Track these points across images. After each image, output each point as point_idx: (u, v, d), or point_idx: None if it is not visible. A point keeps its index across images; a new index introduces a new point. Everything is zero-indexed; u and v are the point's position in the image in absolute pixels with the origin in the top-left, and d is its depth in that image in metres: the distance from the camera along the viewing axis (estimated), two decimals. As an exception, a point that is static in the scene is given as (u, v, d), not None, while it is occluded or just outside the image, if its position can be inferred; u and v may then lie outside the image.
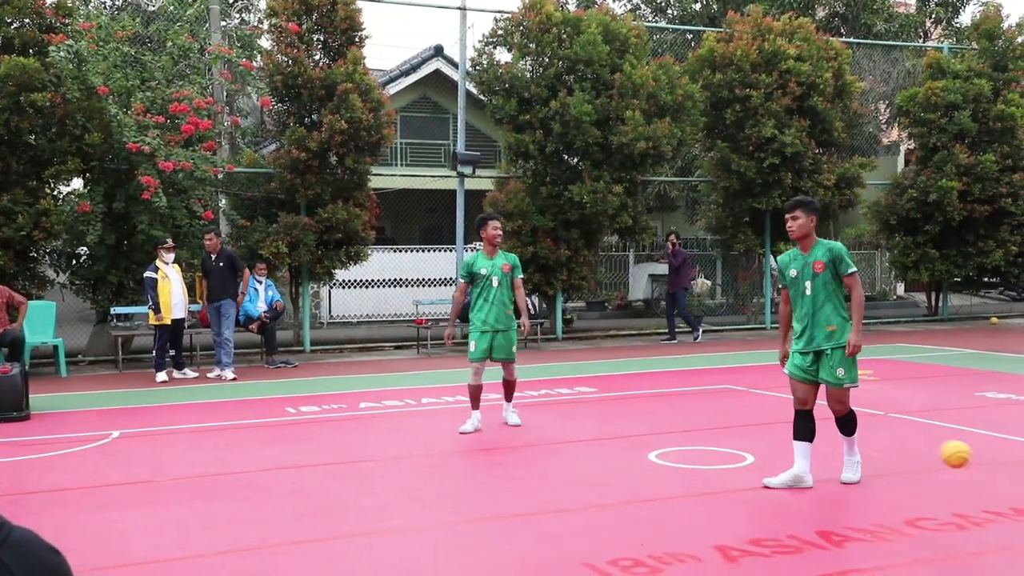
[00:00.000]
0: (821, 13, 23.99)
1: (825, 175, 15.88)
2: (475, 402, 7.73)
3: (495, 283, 7.54)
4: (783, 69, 15.59)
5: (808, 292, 5.69)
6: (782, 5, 22.21)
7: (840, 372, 5.64)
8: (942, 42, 23.56)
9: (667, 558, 4.47)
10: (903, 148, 23.62)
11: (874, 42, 21.90)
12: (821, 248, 5.71)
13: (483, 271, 7.56)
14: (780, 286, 5.99)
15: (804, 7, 22.66)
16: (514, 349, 7.71)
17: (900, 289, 24.24)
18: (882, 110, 23.64)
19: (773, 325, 17.27)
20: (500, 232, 7.68)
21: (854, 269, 5.70)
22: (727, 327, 17.23)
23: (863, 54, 21.11)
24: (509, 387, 7.94)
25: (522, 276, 7.86)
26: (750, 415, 8.40)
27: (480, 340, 7.58)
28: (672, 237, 15.23)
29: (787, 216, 5.76)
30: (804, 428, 5.79)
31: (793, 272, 5.76)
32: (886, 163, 22.22)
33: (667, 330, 15.42)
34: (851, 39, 20.73)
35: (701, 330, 15.39)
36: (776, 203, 15.83)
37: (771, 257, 17.63)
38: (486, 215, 7.89)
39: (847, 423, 5.83)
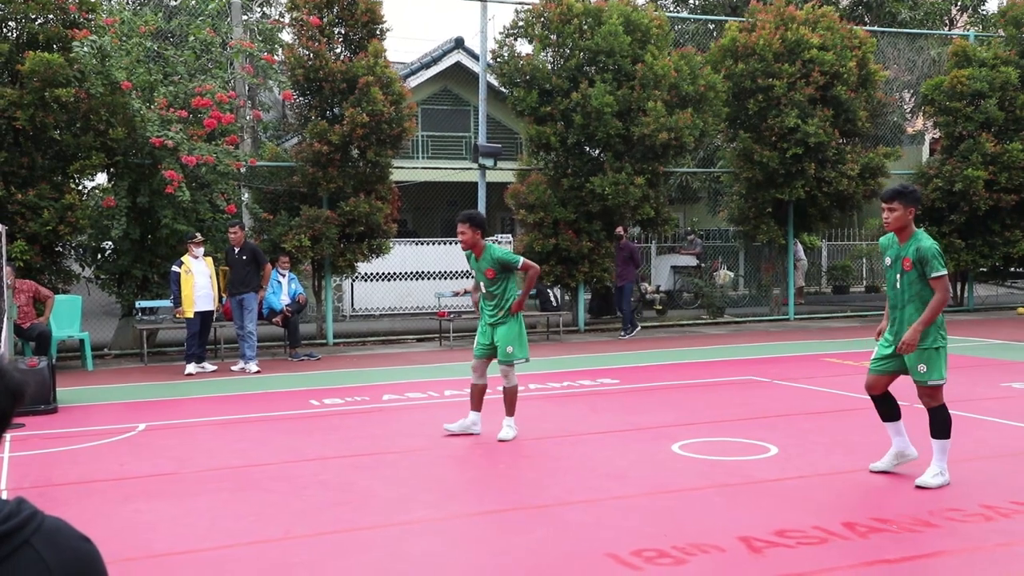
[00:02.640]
0: (845, 1, 23.75)
1: (849, 165, 15.74)
2: (473, 402, 7.30)
3: (483, 287, 7.24)
4: (806, 58, 15.45)
5: (898, 286, 5.55)
6: (805, -6, 22.00)
7: (921, 368, 5.43)
8: (968, 30, 23.28)
9: (691, 549, 4.46)
10: (928, 137, 23.37)
11: (899, 30, 21.67)
12: (913, 245, 5.45)
13: (474, 272, 7.37)
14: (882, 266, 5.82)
15: (827, -5, 22.44)
16: (509, 349, 7.05)
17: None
18: (907, 99, 23.40)
19: (797, 316, 17.17)
20: (463, 237, 7.00)
21: (942, 272, 5.38)
22: (750, 318, 17.14)
23: (887, 42, 20.88)
24: (504, 397, 7.21)
25: (519, 262, 7.06)
26: (774, 406, 8.36)
27: (481, 335, 7.25)
28: (619, 230, 14.95)
29: (884, 206, 5.52)
30: (882, 410, 5.76)
31: (888, 260, 5.63)
32: (911, 153, 22.01)
33: (623, 324, 15.11)
34: (875, 27, 20.52)
35: (635, 331, 14.87)
36: (799, 194, 15.71)
37: (793, 249, 17.51)
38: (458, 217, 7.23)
39: (935, 423, 5.51)
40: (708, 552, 4.42)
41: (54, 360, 9.58)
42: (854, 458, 6.26)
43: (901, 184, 5.69)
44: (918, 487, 5.42)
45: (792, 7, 16.14)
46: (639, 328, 15.09)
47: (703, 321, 17.01)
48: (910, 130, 23.96)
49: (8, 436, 7.44)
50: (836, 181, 15.65)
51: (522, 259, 7.12)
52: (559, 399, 9.06)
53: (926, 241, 5.46)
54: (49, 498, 5.68)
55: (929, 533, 4.66)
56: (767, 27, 15.69)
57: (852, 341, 13.54)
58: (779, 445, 6.65)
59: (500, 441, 7.01)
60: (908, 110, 23.65)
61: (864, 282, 23.49)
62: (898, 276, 5.53)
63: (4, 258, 8.70)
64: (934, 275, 5.38)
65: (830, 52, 15.54)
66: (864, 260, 23.53)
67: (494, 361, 7.23)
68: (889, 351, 5.60)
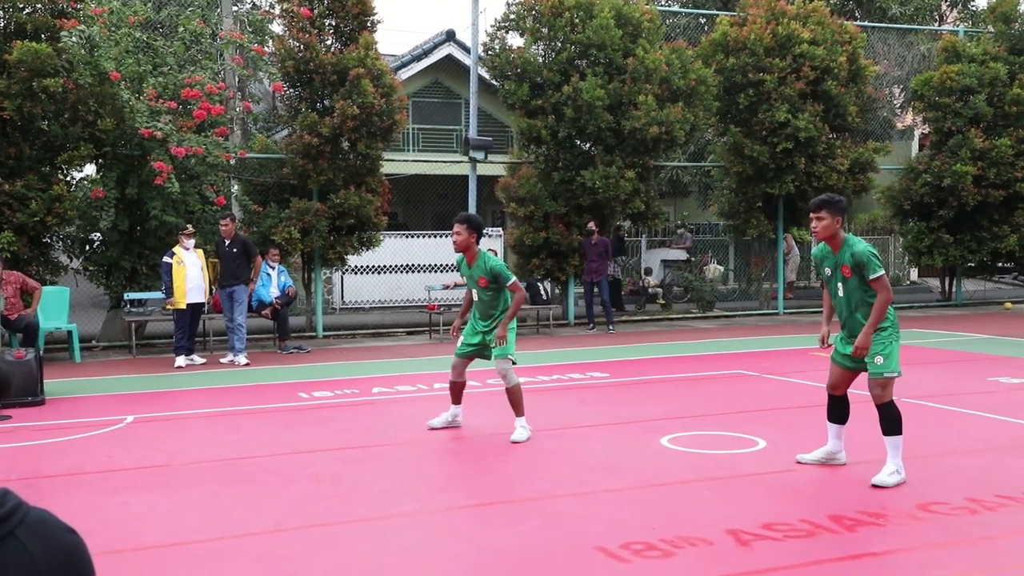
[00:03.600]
0: (835, -4, 23.78)
1: (839, 160, 15.79)
2: (453, 397, 7.28)
3: (475, 295, 7.03)
4: (797, 53, 15.48)
5: (841, 294, 5.60)
6: (796, -12, 22.02)
7: (879, 360, 5.46)
8: (957, 25, 23.36)
9: (679, 542, 4.47)
10: (917, 132, 23.46)
11: (889, 25, 21.71)
12: (847, 251, 5.48)
13: (465, 278, 7.14)
14: (819, 276, 5.87)
15: (818, -10, 22.45)
16: (496, 346, 6.85)
17: (914, 274, 24.14)
18: (896, 94, 23.46)
19: (786, 311, 17.22)
20: (458, 238, 6.83)
21: (880, 272, 5.43)
22: (739, 312, 17.19)
23: (877, 38, 20.93)
24: (509, 398, 6.99)
25: (511, 280, 6.89)
26: (762, 400, 8.39)
27: (466, 335, 7.10)
28: (591, 224, 14.92)
29: (812, 215, 5.54)
30: (835, 411, 5.85)
31: (828, 271, 5.66)
32: (900, 148, 22.09)
33: (590, 318, 15.03)
34: (865, 23, 20.55)
35: (609, 326, 14.87)
36: (789, 188, 15.75)
37: (783, 243, 17.56)
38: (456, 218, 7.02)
39: (886, 420, 5.52)
40: (696, 545, 4.44)
41: (42, 352, 9.54)
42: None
43: (827, 194, 5.73)
44: (874, 486, 5.37)
45: (783, 2, 16.16)
46: (595, 327, 15.01)
47: (693, 315, 17.05)
48: (900, 125, 24.03)
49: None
50: (826, 176, 15.69)
51: (514, 278, 6.95)
52: (549, 392, 9.08)
53: (859, 245, 5.49)
54: (36, 490, 5.66)
55: (915, 526, 4.69)
56: (758, 21, 15.71)
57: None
58: (767, 439, 6.68)
59: (513, 443, 6.74)
60: (898, 105, 23.72)
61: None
62: (840, 285, 5.58)
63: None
64: (873, 276, 5.41)
65: (820, 47, 15.57)
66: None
67: (471, 362, 7.20)
68: (849, 349, 5.63)
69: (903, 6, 23.77)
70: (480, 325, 7.02)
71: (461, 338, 7.16)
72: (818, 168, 15.69)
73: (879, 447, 6.41)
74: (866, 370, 5.58)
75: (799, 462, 5.95)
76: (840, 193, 16.22)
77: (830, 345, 5.88)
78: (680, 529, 4.67)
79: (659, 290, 18.46)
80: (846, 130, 16.50)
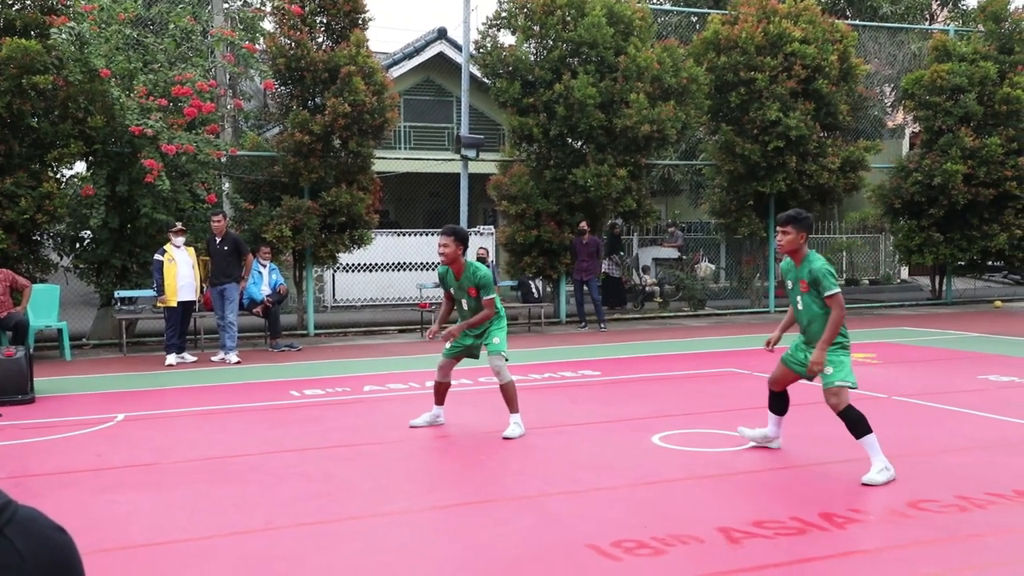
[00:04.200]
0: (826, -5, 23.84)
1: (830, 158, 15.83)
2: (437, 397, 7.22)
3: (464, 305, 6.92)
4: (788, 52, 15.51)
5: (800, 307, 5.81)
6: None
7: (828, 370, 5.57)
8: (948, 24, 23.43)
9: (670, 540, 4.48)
10: (908, 131, 23.53)
11: (880, 24, 21.77)
12: (807, 267, 5.68)
13: (451, 291, 6.98)
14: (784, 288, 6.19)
15: (809, -11, 22.50)
16: (496, 340, 6.85)
17: (904, 273, 24.23)
18: (887, 93, 23.54)
19: (777, 309, 17.27)
20: (445, 251, 6.74)
21: (835, 290, 5.55)
22: (731, 311, 17.22)
23: (868, 36, 20.99)
24: (503, 394, 6.94)
25: (492, 295, 6.85)
26: (753, 398, 8.40)
27: (455, 342, 7.04)
28: (583, 224, 14.94)
29: (779, 229, 5.75)
30: (776, 404, 6.22)
31: (789, 284, 5.89)
32: (891, 146, 22.16)
33: (581, 316, 15.05)
34: (856, 21, 20.61)
35: (601, 324, 14.86)
36: (780, 187, 15.78)
37: (774, 240, 17.59)
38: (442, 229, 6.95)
39: (849, 424, 5.57)
40: (687, 543, 4.45)
41: (31, 350, 9.50)
42: (831, 450, 6.31)
43: (795, 210, 5.91)
44: (865, 485, 5.39)
45: (774, 0, 16.19)
46: (586, 325, 15.00)
47: (684, 313, 17.08)
48: (890, 124, 24.10)
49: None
50: (817, 174, 15.73)
51: (494, 294, 6.87)
52: (540, 391, 9.08)
53: (817, 262, 5.68)
54: (26, 489, 5.64)
55: (905, 524, 4.70)
56: (749, 20, 15.73)
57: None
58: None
59: (506, 439, 6.72)
60: (888, 104, 23.79)
61: (844, 275, 23.63)
62: (799, 298, 5.79)
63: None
64: (828, 294, 5.57)
65: (812, 45, 15.60)
66: (844, 253, 23.68)
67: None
68: (803, 354, 5.84)
69: (894, 5, 23.84)
70: (471, 331, 6.96)
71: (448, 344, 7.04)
72: (809, 167, 15.73)
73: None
74: (808, 378, 5.85)
75: (741, 434, 6.43)
76: (831, 191, 16.28)
77: (772, 350, 6.16)
78: (671, 527, 4.68)
79: (656, 288, 18.49)
80: (837, 129, 16.55)
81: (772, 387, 6.15)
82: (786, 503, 5.11)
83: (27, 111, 11.84)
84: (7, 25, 12.01)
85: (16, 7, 12.19)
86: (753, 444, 6.34)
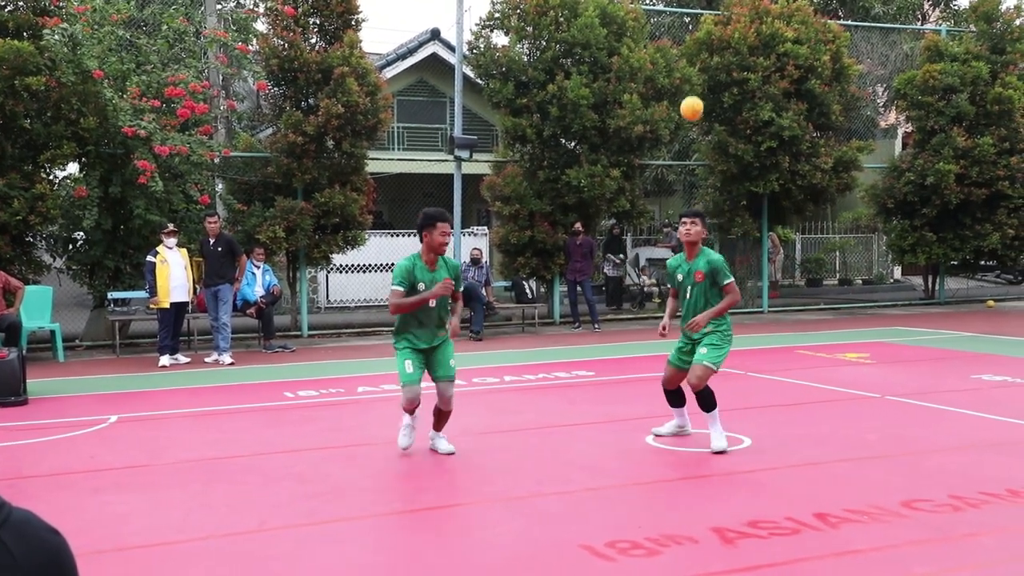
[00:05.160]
0: (819, -5, 23.90)
1: (822, 158, 15.86)
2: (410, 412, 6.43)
3: (432, 302, 6.08)
4: (781, 52, 15.54)
5: (689, 296, 6.35)
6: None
7: (703, 350, 6.23)
8: (940, 24, 23.50)
9: (664, 540, 4.49)
10: (900, 131, 23.60)
11: (872, 24, 21.84)
12: (703, 259, 6.30)
13: (421, 287, 6.07)
14: (668, 285, 6.69)
15: (802, -11, 22.56)
16: (453, 363, 6.26)
17: (897, 272, 24.29)
18: (880, 93, 23.61)
19: (770, 309, 17.30)
20: (448, 240, 6.16)
21: (730, 280, 6.29)
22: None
23: (861, 37, 21.04)
24: (442, 417, 6.42)
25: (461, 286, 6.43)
26: (746, 398, 8.42)
27: (414, 359, 6.15)
28: (578, 225, 14.96)
29: (687, 220, 6.34)
30: (673, 399, 6.72)
31: (679, 277, 6.43)
32: (883, 146, 22.21)
33: (575, 317, 15.07)
34: (849, 22, 20.66)
35: (595, 325, 14.86)
36: (774, 187, 15.82)
37: (767, 242, 17.63)
38: (434, 213, 6.17)
39: (702, 400, 6.28)
40: (681, 543, 4.45)
41: (24, 351, 9.47)
42: (826, 450, 6.33)
43: (698, 207, 6.53)
44: (718, 452, 6.17)
45: (767, 1, 16.22)
46: (579, 325, 15.03)
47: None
48: (883, 124, 24.18)
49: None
50: (810, 174, 15.76)
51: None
52: (534, 391, 9.08)
53: (714, 256, 6.36)
54: (19, 490, 5.62)
55: (899, 523, 4.72)
56: (742, 20, 15.76)
57: (825, 333, 13.68)
58: (752, 437, 6.71)
59: (447, 454, 6.37)
60: (881, 104, 23.86)
61: (837, 275, 23.70)
62: (689, 288, 6.34)
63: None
64: (725, 283, 6.25)
65: (804, 46, 15.64)
66: (838, 253, 23.74)
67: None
68: (687, 347, 6.43)
69: (886, 5, 23.92)
70: (426, 342, 6.19)
71: (408, 363, 6.14)
72: (802, 167, 15.76)
73: (867, 446, 6.47)
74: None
75: (656, 435, 6.74)
76: (824, 191, 16.32)
77: (664, 335, 6.67)
78: (665, 527, 4.69)
79: (655, 288, 18.50)
80: (830, 129, 16.58)
81: (667, 387, 6.63)
82: (780, 503, 5.12)
83: (20, 112, 11.80)
84: (0, 26, 11.98)
85: (8, 8, 12.16)
86: (674, 435, 6.73)
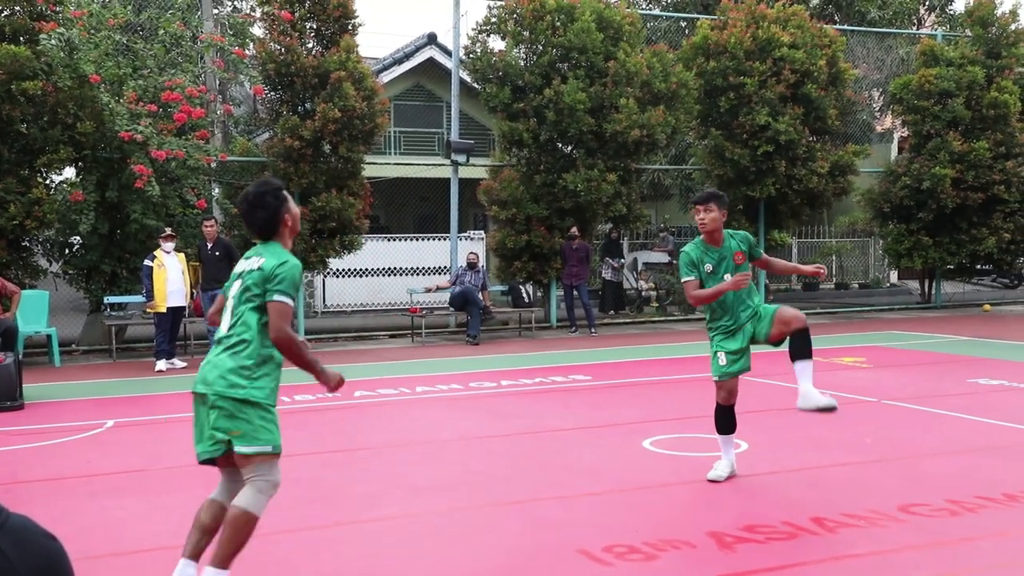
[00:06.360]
0: (815, 0, 23.96)
1: (819, 163, 15.89)
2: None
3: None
4: (777, 56, 15.57)
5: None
6: (776, -8, 22.19)
7: (773, 306, 5.67)
8: (936, 29, 23.57)
9: (662, 544, 4.48)
10: (897, 136, 23.65)
11: (868, 29, 21.89)
12: (732, 240, 5.64)
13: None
14: (683, 279, 5.65)
15: (798, -6, 22.61)
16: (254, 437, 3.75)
17: (893, 276, 24.32)
18: (876, 98, 23.65)
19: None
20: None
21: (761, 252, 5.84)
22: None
23: (857, 41, 21.09)
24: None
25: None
26: (743, 403, 8.37)
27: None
28: (574, 229, 14.96)
29: (699, 207, 5.55)
30: (727, 423, 5.79)
31: (709, 267, 5.57)
32: (880, 151, 22.26)
33: (571, 321, 15.06)
34: (845, 26, 20.71)
35: (591, 329, 14.82)
36: (770, 191, 15.84)
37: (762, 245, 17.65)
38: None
39: (803, 340, 5.54)
40: (679, 548, 4.45)
41: (20, 356, 9.45)
42: (823, 454, 6.33)
43: (713, 190, 5.91)
44: (712, 481, 5.63)
45: (763, 5, 16.26)
46: (576, 329, 15.00)
47: (675, 318, 17.11)
48: (879, 128, 24.22)
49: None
50: (806, 179, 15.79)
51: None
52: (531, 395, 9.08)
53: (740, 232, 5.77)
54: (15, 495, 5.61)
55: (896, 528, 4.72)
56: (738, 25, 15.79)
57: (821, 337, 13.68)
58: (749, 441, 6.70)
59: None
60: (877, 108, 23.91)
61: (834, 279, 23.73)
62: (728, 276, 5.53)
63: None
64: (762, 254, 5.77)
65: (800, 50, 15.67)
66: (834, 257, 23.77)
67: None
68: (738, 343, 5.62)
69: (882, 10, 23.98)
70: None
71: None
72: (798, 171, 15.79)
73: (864, 450, 6.47)
74: (747, 369, 5.77)
75: (713, 480, 5.68)
76: (820, 196, 16.34)
77: None
78: (663, 532, 4.68)
79: (653, 293, 18.50)
80: (826, 133, 16.62)
81: (725, 402, 5.76)
82: (777, 507, 5.13)
83: (16, 117, 11.79)
84: (-4, 31, 11.98)
85: (5, 13, 12.15)
86: (731, 476, 5.77)
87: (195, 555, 3.81)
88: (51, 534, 1.32)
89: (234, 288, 3.77)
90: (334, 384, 3.85)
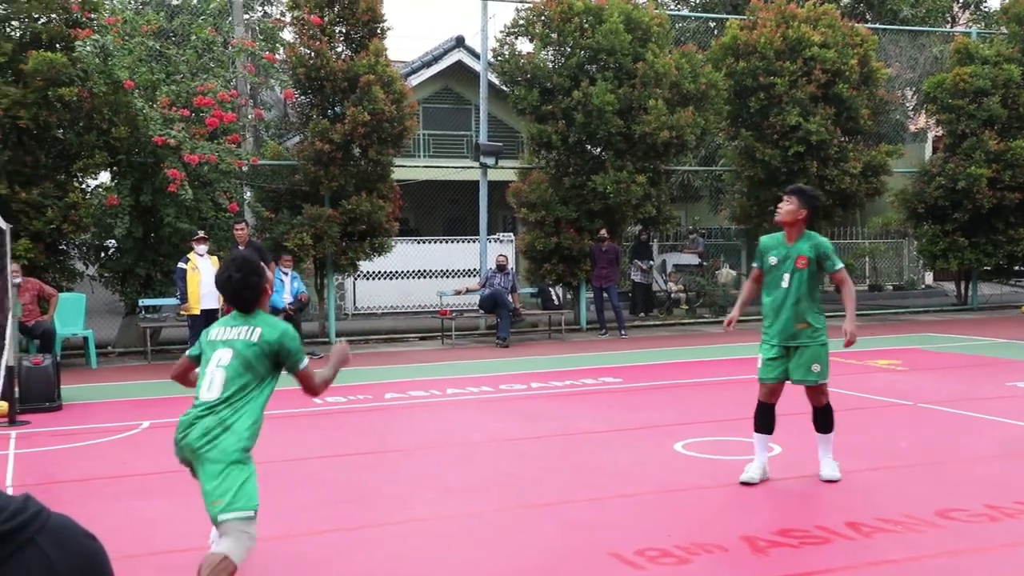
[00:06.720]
0: (846, -1, 23.74)
1: (851, 163, 15.73)
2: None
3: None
4: (808, 56, 15.44)
5: (785, 284, 5.54)
6: (807, -9, 22.01)
7: (816, 368, 5.56)
8: (970, 27, 23.24)
9: (694, 548, 4.45)
10: (931, 135, 23.33)
11: (900, 27, 21.64)
12: (807, 242, 5.52)
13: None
14: (754, 265, 5.78)
15: (829, -7, 22.40)
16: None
17: (928, 278, 24.01)
18: (909, 97, 23.36)
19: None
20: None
21: (842, 266, 5.58)
22: (753, 317, 17.09)
23: (889, 40, 20.86)
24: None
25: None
26: (777, 406, 8.34)
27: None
28: (603, 231, 14.90)
29: (784, 197, 5.60)
30: (766, 422, 5.76)
31: (773, 260, 5.58)
32: (913, 150, 21.98)
33: (601, 323, 15.00)
34: (877, 25, 20.48)
35: (621, 331, 14.79)
36: (802, 192, 15.69)
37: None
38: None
39: (825, 419, 5.67)
40: (712, 552, 4.41)
41: (58, 358, 9.59)
42: (857, 458, 6.25)
43: (808, 187, 5.81)
44: (829, 481, 5.54)
45: (793, 5, 16.13)
46: (606, 332, 14.94)
47: (705, 320, 17.00)
48: (913, 128, 23.92)
49: (14, 433, 7.45)
50: (838, 179, 15.63)
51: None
52: (562, 398, 9.06)
53: (821, 238, 5.56)
54: (52, 495, 5.68)
55: (933, 533, 4.65)
56: (768, 25, 15.68)
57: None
58: (782, 444, 6.64)
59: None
60: (911, 108, 23.61)
61: (867, 280, 23.45)
62: (786, 275, 5.51)
63: (9, 256, 8.70)
64: (837, 268, 5.52)
65: (831, 50, 15.52)
66: (867, 258, 23.51)
67: None
68: (774, 353, 5.60)
69: (915, 8, 23.68)
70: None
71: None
72: (830, 171, 15.64)
73: (899, 454, 6.38)
74: (797, 380, 5.60)
75: (746, 483, 5.61)
76: (853, 196, 16.15)
77: (729, 328, 5.93)
78: (695, 535, 4.65)
79: (683, 295, 18.40)
80: (858, 133, 16.44)
81: (768, 401, 5.75)
82: (811, 511, 5.07)
83: (53, 123, 11.97)
84: (33, 38, 12.16)
85: (42, 21, 12.33)
86: (764, 480, 5.70)
87: None
88: (91, 534, 1.33)
89: (223, 358, 3.77)
90: (343, 358, 4.10)
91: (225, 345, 3.80)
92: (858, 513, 4.99)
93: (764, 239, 5.72)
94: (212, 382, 3.78)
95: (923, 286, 23.49)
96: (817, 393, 5.64)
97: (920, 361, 10.99)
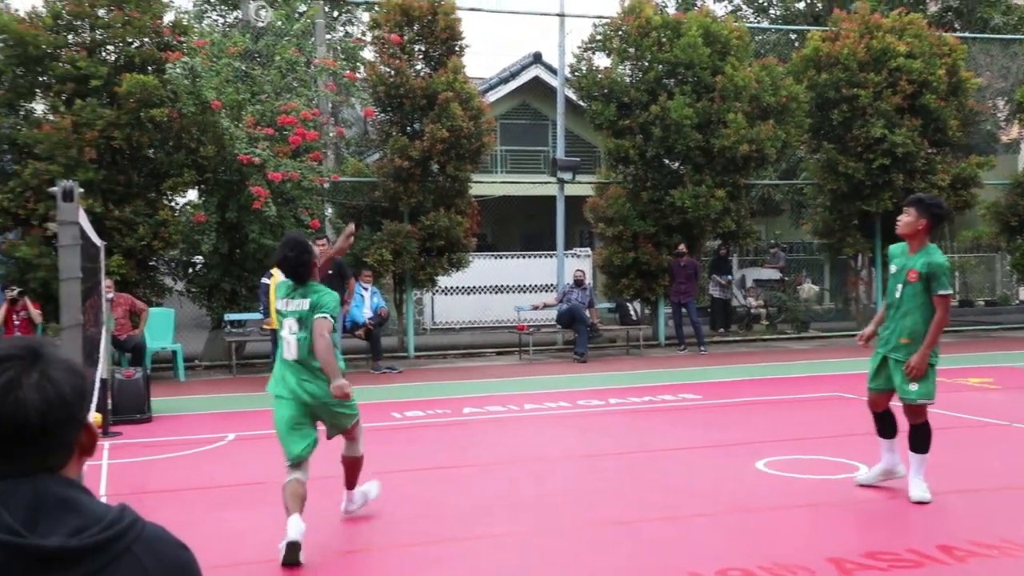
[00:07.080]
0: (933, 8, 23.09)
1: (939, 175, 15.26)
2: (295, 504, 4.86)
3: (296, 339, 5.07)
4: (893, 67, 15.07)
5: (898, 295, 5.51)
6: (891, 1, 21.48)
7: (912, 386, 5.44)
8: (1066, 33, 22.36)
9: (778, 569, 4.35)
10: (1024, 146, 22.51)
11: (991, 36, 20.95)
12: (923, 258, 5.40)
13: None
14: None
15: (915, 2, 21.85)
16: (349, 411, 5.38)
17: (1022, 294, 23.10)
18: (1000, 107, 22.57)
19: (884, 331, 16.66)
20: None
21: (948, 291, 5.41)
22: (835, 333, 16.71)
23: (979, 49, 20.21)
24: (350, 468, 5.53)
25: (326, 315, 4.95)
26: (860, 423, 8.09)
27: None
28: (682, 246, 14.67)
29: (904, 208, 5.54)
30: (881, 426, 5.79)
31: (893, 268, 5.60)
32: (1005, 162, 21.22)
33: (680, 339, 14.81)
34: (966, 34, 19.87)
35: (700, 347, 14.57)
36: (887, 206, 15.27)
37: (880, 262, 17.04)
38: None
39: (919, 437, 5.54)
40: (796, 573, 4.31)
41: (148, 371, 9.90)
42: (948, 479, 6.03)
43: (928, 194, 5.71)
44: (919, 503, 5.38)
45: (877, 15, 15.77)
46: (684, 347, 14.75)
47: (787, 336, 16.66)
48: (1005, 139, 23.11)
49: (107, 444, 7.71)
50: (926, 192, 15.15)
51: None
52: (640, 414, 8.97)
53: (938, 256, 5.42)
54: (143, 505, 5.82)
55: (1030, 558, 4.46)
56: (851, 36, 15.36)
57: (945, 357, 13.07)
58: (868, 463, 6.45)
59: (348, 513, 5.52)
60: (1002, 118, 22.81)
61: (958, 296, 22.70)
62: (900, 286, 5.48)
63: (103, 272, 9.04)
64: (940, 292, 5.36)
65: (918, 60, 15.12)
66: (957, 273, 22.74)
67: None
68: (877, 360, 5.62)
69: (1006, 16, 22.90)
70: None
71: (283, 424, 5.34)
72: (917, 184, 15.18)
73: (993, 476, 6.14)
74: (897, 391, 5.54)
75: (859, 485, 5.83)
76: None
77: (867, 344, 5.80)
78: (779, 556, 4.54)
79: (763, 310, 18.08)
80: (947, 145, 15.95)
81: (874, 409, 5.80)
82: (901, 534, 4.91)
83: (144, 143, 12.42)
84: (127, 62, 12.65)
85: (135, 45, 12.82)
86: (875, 484, 5.81)
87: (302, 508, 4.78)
88: (184, 544, 1.36)
89: (293, 326, 5.06)
90: (337, 391, 5.00)
91: (291, 315, 5.01)
92: (950, 536, 4.82)
93: (892, 247, 5.71)
94: (289, 346, 5.07)
95: (1017, 302, 22.61)
96: (913, 411, 5.53)
97: (1014, 380, 10.56)
